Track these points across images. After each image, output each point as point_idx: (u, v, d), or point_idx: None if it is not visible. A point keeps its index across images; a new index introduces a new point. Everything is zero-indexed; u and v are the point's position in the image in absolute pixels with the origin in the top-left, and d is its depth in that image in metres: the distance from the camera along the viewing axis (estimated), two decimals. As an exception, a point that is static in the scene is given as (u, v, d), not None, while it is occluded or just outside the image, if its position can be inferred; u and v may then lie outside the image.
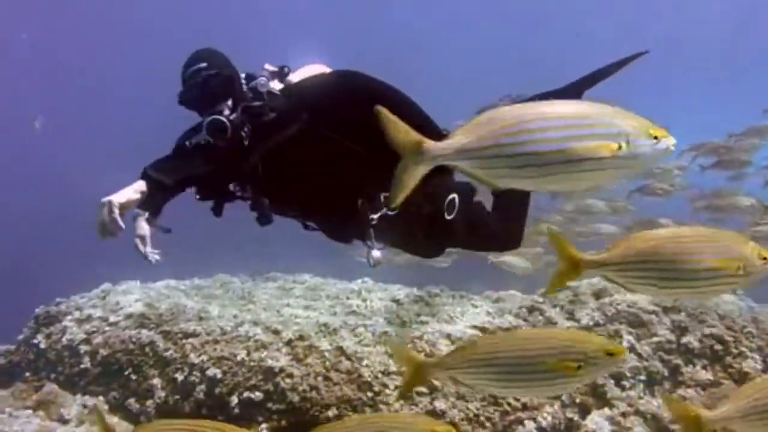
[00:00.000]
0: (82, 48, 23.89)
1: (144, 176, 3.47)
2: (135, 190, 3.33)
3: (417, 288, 6.59)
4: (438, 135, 3.71)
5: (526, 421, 4.52)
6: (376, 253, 3.60)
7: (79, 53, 24.05)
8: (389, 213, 3.58)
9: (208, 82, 3.30)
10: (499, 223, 4.08)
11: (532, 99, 4.27)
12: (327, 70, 3.78)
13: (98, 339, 5.14)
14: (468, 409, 4.63)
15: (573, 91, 4.21)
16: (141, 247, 3.20)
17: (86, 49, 24.00)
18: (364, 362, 4.86)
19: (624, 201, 7.80)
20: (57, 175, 19.62)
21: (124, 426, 4.27)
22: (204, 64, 3.35)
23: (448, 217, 3.76)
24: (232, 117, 3.30)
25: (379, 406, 4.59)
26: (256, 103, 3.38)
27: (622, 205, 7.78)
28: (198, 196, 3.57)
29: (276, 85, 3.51)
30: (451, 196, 3.77)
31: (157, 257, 3.25)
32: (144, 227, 3.28)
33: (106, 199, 3.17)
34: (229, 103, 3.34)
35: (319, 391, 4.69)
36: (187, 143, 3.37)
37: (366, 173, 3.49)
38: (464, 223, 3.84)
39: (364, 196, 3.57)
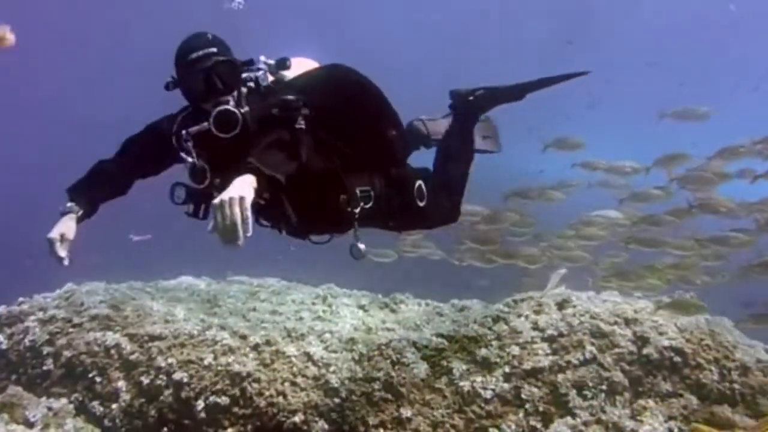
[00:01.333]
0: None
1: (95, 172, 3.57)
2: (70, 218, 3.37)
3: (382, 294, 6.64)
4: (399, 127, 3.87)
5: (490, 429, 4.59)
6: (361, 246, 3.69)
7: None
8: (365, 207, 3.66)
9: (217, 69, 3.29)
10: (449, 200, 4.22)
11: (480, 90, 4.43)
12: (315, 64, 3.83)
13: (62, 340, 5.07)
14: (433, 416, 4.68)
15: (519, 90, 4.39)
16: (55, 248, 3.22)
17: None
18: (331, 368, 4.90)
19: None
20: (13, 171, 19.29)
21: (89, 429, 4.22)
22: (214, 49, 3.33)
23: (422, 204, 3.90)
24: (243, 109, 3.30)
25: (345, 413, 4.62)
26: (290, 97, 3.37)
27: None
28: (181, 201, 3.55)
29: (268, 78, 3.54)
30: (417, 183, 3.91)
31: (66, 262, 3.28)
32: (64, 228, 3.30)
33: (47, 236, 3.23)
34: (235, 93, 3.34)
35: (285, 396, 4.71)
36: (184, 132, 3.31)
37: (347, 169, 3.61)
38: (430, 204, 3.96)
39: (346, 191, 3.63)
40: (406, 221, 4.17)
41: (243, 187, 2.75)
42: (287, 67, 3.58)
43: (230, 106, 3.28)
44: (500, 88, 4.46)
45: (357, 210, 3.63)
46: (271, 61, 3.53)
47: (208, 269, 7.33)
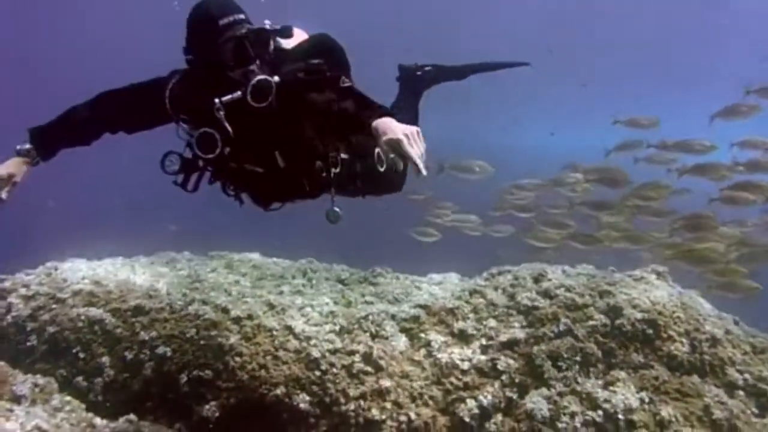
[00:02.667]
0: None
1: (66, 119, 3.54)
2: (25, 161, 3.37)
3: (361, 268, 6.72)
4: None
5: (467, 400, 4.71)
6: (336, 209, 3.82)
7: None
8: (335, 172, 3.78)
9: (249, 37, 3.31)
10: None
11: (428, 66, 4.53)
12: (305, 34, 3.87)
13: (45, 316, 5.11)
14: (412, 387, 4.79)
15: (463, 70, 4.47)
16: None
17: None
18: (312, 341, 4.98)
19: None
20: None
21: (75, 404, 4.28)
22: (243, 16, 3.35)
23: (381, 169, 3.98)
24: (275, 79, 3.34)
25: (326, 385, 4.72)
26: (314, 61, 3.45)
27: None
28: (173, 170, 3.58)
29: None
30: (377, 150, 3.98)
31: (3, 196, 3.23)
32: (15, 168, 3.30)
33: None
34: (257, 61, 3.37)
35: (267, 369, 4.80)
36: (217, 101, 3.31)
37: (324, 135, 3.71)
38: (388, 170, 3.99)
39: (320, 157, 3.75)
40: (369, 186, 4.25)
41: (405, 125, 2.94)
42: (291, 35, 3.59)
43: (266, 76, 3.32)
44: (446, 67, 4.57)
45: (331, 175, 3.74)
46: (277, 27, 3.51)
47: (185, 244, 7.36)
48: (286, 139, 3.58)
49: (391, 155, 2.87)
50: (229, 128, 3.36)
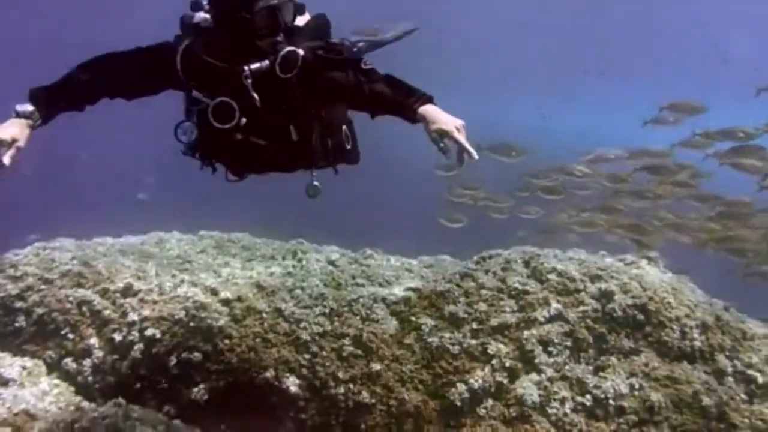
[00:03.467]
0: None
1: (71, 81, 3.42)
2: (28, 124, 3.17)
3: (351, 250, 6.70)
4: None
5: (458, 384, 4.70)
6: (316, 183, 3.93)
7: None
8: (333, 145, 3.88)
9: (281, 7, 3.32)
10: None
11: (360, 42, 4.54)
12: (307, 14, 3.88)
13: (34, 297, 5.07)
14: (402, 371, 4.78)
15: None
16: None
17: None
18: (302, 324, 4.96)
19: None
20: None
21: (63, 387, 4.27)
22: None
23: (348, 147, 4.06)
24: (301, 51, 3.36)
25: (316, 368, 4.71)
26: (336, 40, 3.53)
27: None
28: (188, 140, 3.55)
29: None
30: (343, 127, 4.05)
31: (5, 171, 2.98)
32: (18, 132, 3.08)
33: None
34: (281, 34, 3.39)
35: (257, 352, 4.78)
36: (246, 69, 3.29)
37: (332, 111, 3.83)
38: (353, 146, 4.16)
39: (328, 131, 3.84)
40: (339, 161, 4.22)
41: (450, 116, 3.23)
42: (304, 13, 3.60)
43: (294, 48, 3.34)
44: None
45: (311, 147, 3.76)
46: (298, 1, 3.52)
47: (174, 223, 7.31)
48: (302, 113, 3.62)
49: (441, 143, 3.15)
50: (257, 97, 3.35)
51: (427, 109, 3.25)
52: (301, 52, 3.35)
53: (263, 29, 3.30)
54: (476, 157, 3.12)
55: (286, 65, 3.31)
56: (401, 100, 3.37)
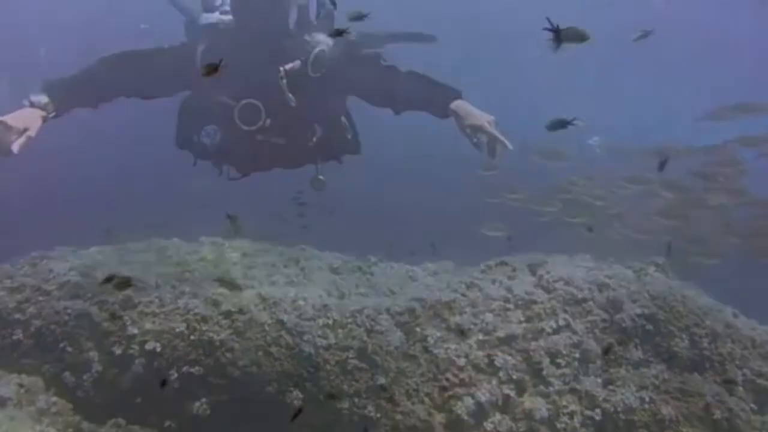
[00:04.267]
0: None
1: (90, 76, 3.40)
2: (41, 115, 3.11)
3: (355, 257, 6.60)
4: None
5: (464, 397, 4.63)
6: (321, 177, 4.05)
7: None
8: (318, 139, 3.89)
9: (307, 6, 3.43)
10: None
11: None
12: None
13: (31, 309, 4.97)
14: (408, 384, 4.71)
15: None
16: (7, 137, 2.89)
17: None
18: (305, 337, 4.87)
19: None
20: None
21: (62, 404, 4.17)
22: None
23: (348, 137, 4.11)
24: (325, 48, 3.44)
25: (320, 382, 4.63)
26: (352, 38, 3.49)
27: None
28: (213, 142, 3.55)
29: None
30: (342, 119, 4.07)
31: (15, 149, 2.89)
32: (30, 121, 3.00)
33: (2, 118, 2.91)
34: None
35: (260, 366, 4.69)
36: (281, 69, 3.34)
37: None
38: (354, 135, 4.19)
39: (342, 126, 3.99)
40: (343, 152, 4.29)
41: (481, 111, 3.30)
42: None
43: (323, 47, 3.41)
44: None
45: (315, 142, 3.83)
46: None
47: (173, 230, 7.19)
48: (326, 110, 3.72)
49: (475, 138, 3.25)
50: (292, 98, 3.38)
51: (458, 105, 3.34)
52: (325, 49, 3.41)
53: (292, 29, 3.37)
54: (510, 147, 3.19)
55: (318, 64, 3.37)
56: (430, 97, 3.45)
